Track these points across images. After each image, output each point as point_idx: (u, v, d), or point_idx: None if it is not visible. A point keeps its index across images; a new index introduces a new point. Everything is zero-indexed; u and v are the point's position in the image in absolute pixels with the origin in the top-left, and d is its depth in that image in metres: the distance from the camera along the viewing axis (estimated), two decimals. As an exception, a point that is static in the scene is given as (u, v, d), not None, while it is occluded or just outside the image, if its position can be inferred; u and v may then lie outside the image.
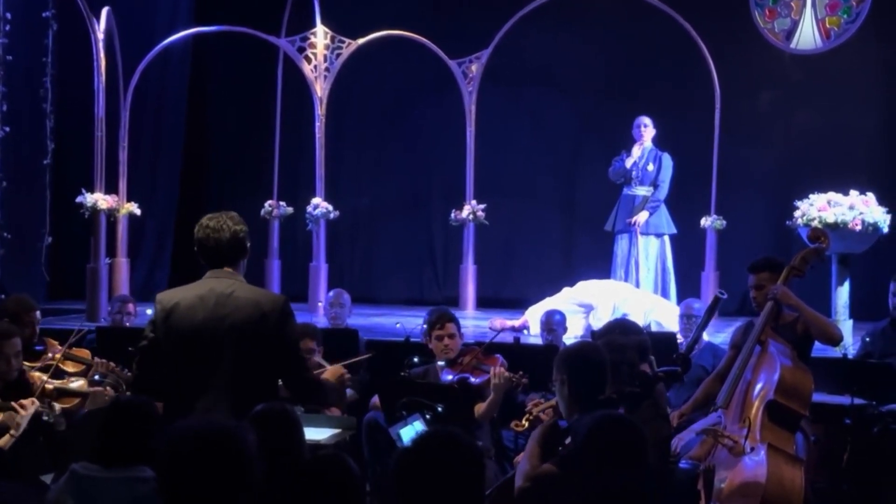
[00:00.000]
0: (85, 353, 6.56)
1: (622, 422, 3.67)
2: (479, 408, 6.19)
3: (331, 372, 4.90)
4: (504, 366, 6.36)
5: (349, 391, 7.10)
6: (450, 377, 6.45)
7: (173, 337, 4.31)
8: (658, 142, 10.41)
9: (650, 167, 10.30)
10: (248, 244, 4.47)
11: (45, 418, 5.48)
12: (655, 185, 10.29)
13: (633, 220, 10.25)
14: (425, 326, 6.86)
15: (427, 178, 12.68)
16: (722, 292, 6.33)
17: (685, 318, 7.78)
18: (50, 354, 6.42)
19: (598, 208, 11.03)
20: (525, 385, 6.25)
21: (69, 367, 6.40)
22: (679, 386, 6.46)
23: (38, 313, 6.70)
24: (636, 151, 10.32)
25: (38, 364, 6.31)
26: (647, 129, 10.35)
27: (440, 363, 6.57)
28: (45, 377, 6.07)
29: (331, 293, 8.76)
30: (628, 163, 10.30)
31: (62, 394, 6.04)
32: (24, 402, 5.53)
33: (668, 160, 10.29)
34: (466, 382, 6.38)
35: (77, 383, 6.16)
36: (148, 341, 4.37)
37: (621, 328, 5.70)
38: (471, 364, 6.50)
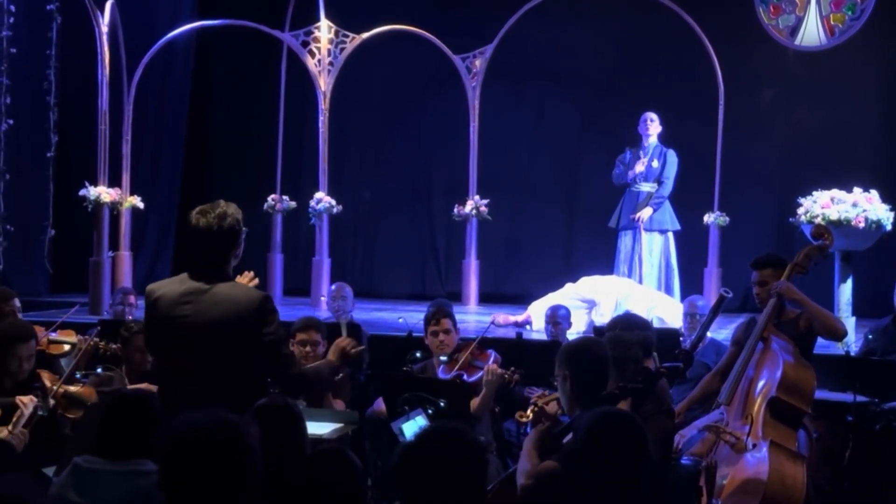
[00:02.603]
0: (69, 334, 6.59)
1: (623, 418, 3.66)
2: (474, 402, 6.24)
3: (333, 350, 4.81)
4: (497, 361, 6.42)
5: None
6: (445, 376, 6.49)
7: (157, 330, 4.34)
8: (661, 138, 10.39)
9: (655, 164, 10.27)
10: (241, 235, 4.37)
11: (40, 412, 5.48)
12: (660, 182, 10.27)
13: (637, 216, 10.23)
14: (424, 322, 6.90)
15: (430, 173, 12.68)
16: (727, 291, 6.31)
17: (689, 316, 7.74)
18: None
19: (600, 204, 11.01)
20: (517, 381, 6.30)
21: (56, 350, 6.44)
22: (681, 382, 6.45)
23: (17, 301, 6.74)
24: (639, 167, 10.24)
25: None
26: (653, 125, 10.32)
27: (438, 358, 6.62)
28: (56, 383, 6.03)
29: (333, 286, 8.76)
30: (630, 174, 10.26)
31: (72, 401, 6.01)
32: (23, 398, 5.52)
33: (672, 157, 10.26)
34: (461, 380, 6.42)
35: (85, 391, 6.12)
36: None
37: (626, 323, 5.68)
38: (466, 361, 6.56)
